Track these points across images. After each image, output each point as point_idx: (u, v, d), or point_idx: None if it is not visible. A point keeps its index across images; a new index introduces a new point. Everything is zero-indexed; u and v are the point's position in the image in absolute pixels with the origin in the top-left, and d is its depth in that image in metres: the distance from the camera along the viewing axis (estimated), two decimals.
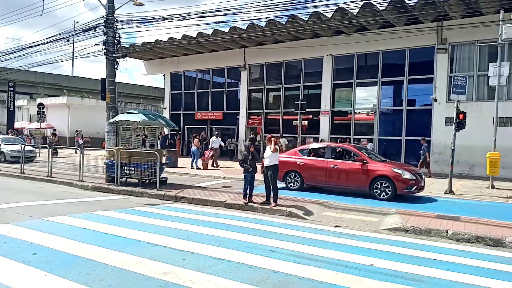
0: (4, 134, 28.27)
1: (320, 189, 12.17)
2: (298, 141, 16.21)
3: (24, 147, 16.43)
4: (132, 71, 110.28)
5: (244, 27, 20.85)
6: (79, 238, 6.14)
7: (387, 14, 17.03)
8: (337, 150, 12.32)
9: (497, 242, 6.53)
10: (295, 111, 15.78)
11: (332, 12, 17.45)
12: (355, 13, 17.37)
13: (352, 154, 12.01)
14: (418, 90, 19.88)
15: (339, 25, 18.48)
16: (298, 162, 12.14)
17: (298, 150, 12.73)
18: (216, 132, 21.00)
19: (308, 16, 18.38)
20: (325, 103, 21.29)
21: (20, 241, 5.87)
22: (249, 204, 9.25)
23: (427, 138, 17.73)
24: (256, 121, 24.32)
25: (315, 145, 13.36)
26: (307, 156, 12.36)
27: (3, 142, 19.34)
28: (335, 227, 7.69)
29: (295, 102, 15.61)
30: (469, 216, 8.42)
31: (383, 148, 20.03)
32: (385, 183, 10.79)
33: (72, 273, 4.56)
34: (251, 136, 17.33)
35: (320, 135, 21.26)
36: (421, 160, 16.23)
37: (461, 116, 12.86)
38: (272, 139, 9.37)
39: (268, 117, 24.12)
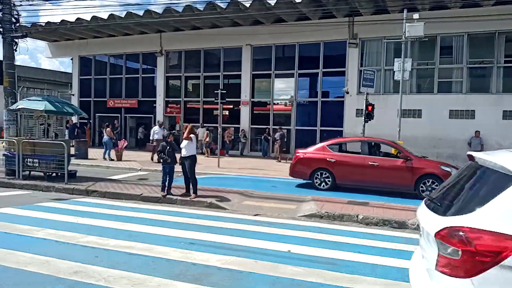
0: None
1: (354, 189, 10.68)
2: (219, 131, 16.10)
3: None
4: (35, 54, 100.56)
5: (160, 11, 20.06)
6: None
7: (303, 6, 17.53)
8: (373, 145, 11.22)
9: (401, 224, 7.12)
10: (215, 101, 15.61)
11: (250, 2, 17.51)
12: (273, 4, 17.62)
13: (393, 151, 11.20)
14: (332, 83, 20.87)
15: (258, 15, 18.63)
16: (328, 159, 10.79)
17: (327, 145, 11.24)
18: (159, 121, 19.39)
19: (227, 4, 18.24)
20: (245, 93, 21.42)
21: None
22: (168, 196, 8.96)
23: (340, 129, 18.86)
24: (175, 110, 23.66)
25: (347, 140, 12.10)
26: (338, 151, 11.20)
27: None
28: (255, 215, 7.79)
29: (215, 92, 15.45)
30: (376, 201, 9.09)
31: (300, 137, 20.78)
32: (433, 182, 9.94)
33: None
34: (170, 125, 16.84)
35: (241, 125, 21.39)
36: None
37: (369, 108, 13.78)
38: (188, 127, 9.16)
39: (188, 106, 23.60)
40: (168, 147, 8.99)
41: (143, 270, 4.49)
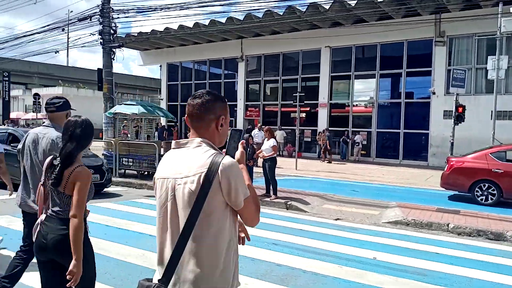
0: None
1: None
2: (296, 134, 16.12)
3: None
4: (128, 62, 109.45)
5: (242, 17, 20.66)
6: None
7: (385, 6, 16.92)
8: None
9: (498, 236, 6.55)
10: (293, 103, 15.65)
11: (330, 4, 17.33)
12: (353, 5, 17.25)
13: None
14: (416, 83, 19.87)
15: (337, 16, 18.35)
16: (494, 170, 9.31)
17: (490, 154, 9.68)
18: (260, 125, 18.34)
19: (306, 7, 18.23)
20: (323, 95, 21.22)
21: None
22: None
23: (425, 131, 17.87)
24: (254, 113, 24.22)
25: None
26: (505, 161, 9.61)
27: None
28: (335, 219, 7.69)
29: (294, 94, 15.49)
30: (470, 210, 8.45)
31: (381, 141, 20.07)
32: None
33: None
34: (249, 127, 17.24)
35: (319, 127, 21.21)
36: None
37: (460, 109, 12.87)
38: (268, 130, 9.35)
39: (266, 109, 24.02)
40: (248, 149, 9.25)
41: None
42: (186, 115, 1.80)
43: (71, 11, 51.42)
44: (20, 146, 3.45)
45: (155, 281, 1.68)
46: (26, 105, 39.30)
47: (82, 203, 2.46)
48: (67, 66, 52.16)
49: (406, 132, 19.10)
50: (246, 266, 4.75)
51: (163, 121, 23.83)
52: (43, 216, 2.59)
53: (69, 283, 2.34)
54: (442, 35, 17.74)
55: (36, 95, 26.94)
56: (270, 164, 9.14)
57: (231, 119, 24.84)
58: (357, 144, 19.70)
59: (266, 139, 9.36)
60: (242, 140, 1.93)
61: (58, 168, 2.49)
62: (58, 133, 3.17)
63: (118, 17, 12.76)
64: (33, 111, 28.24)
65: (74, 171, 2.48)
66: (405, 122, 19.21)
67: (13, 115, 35.87)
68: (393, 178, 13.63)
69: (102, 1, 12.55)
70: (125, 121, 14.03)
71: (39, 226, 2.57)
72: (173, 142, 1.83)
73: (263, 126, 14.00)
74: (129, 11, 13.08)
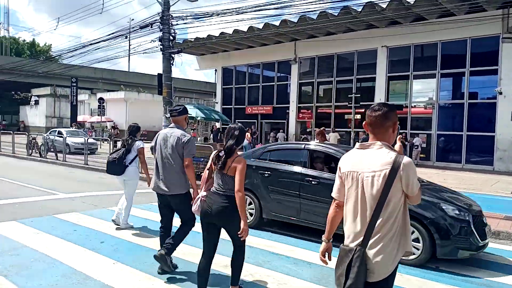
0: (68, 127, 30.06)
1: None
2: (351, 136, 15.84)
3: (87, 139, 17.27)
4: (183, 66, 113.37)
5: (295, 19, 20.67)
6: (142, 228, 6.44)
7: (447, 2, 16.16)
8: None
9: None
10: (348, 105, 15.39)
11: (387, 2, 16.84)
12: (412, 2, 16.65)
13: None
14: (480, 83, 18.75)
15: (395, 15, 17.79)
16: None
17: None
18: (334, 128, 18.80)
19: (362, 6, 17.86)
20: (380, 96, 20.64)
21: (88, 229, 6.24)
22: None
23: (491, 134, 16.77)
24: (306, 115, 24.10)
25: None
26: None
27: (68, 135, 20.42)
28: None
29: (349, 96, 15.22)
30: None
31: (442, 143, 19.16)
32: None
33: (137, 263, 4.78)
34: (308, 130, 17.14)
35: None
36: None
37: None
38: (321, 132, 9.21)
39: (319, 111, 23.82)
40: None
41: (286, 270, 4.72)
42: (365, 123, 2.39)
43: (132, 19, 54.15)
44: (152, 143, 4.66)
45: (350, 245, 2.34)
46: (91, 109, 41.91)
47: (242, 181, 3.46)
48: (129, 72, 54.99)
49: (470, 134, 18.07)
50: (302, 270, 4.76)
51: (217, 124, 24.42)
52: (203, 193, 3.73)
53: (242, 235, 3.49)
54: (510, 31, 16.59)
55: (101, 99, 28.69)
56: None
57: (283, 121, 24.96)
58: (415, 147, 18.95)
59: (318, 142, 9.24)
60: (399, 136, 2.64)
61: (223, 157, 3.57)
62: (181, 131, 4.39)
63: (177, 24, 13.25)
64: (98, 115, 30.03)
65: (235, 159, 3.53)
66: (468, 124, 18.18)
67: (79, 118, 38.40)
68: (455, 183, 12.94)
69: (162, 9, 13.12)
70: (195, 124, 14.50)
71: (201, 198, 3.71)
72: (358, 144, 2.43)
73: (315, 129, 13.89)
74: (187, 17, 13.58)
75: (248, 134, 19.12)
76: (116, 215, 6.44)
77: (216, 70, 29.17)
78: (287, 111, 24.79)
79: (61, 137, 19.01)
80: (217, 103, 28.93)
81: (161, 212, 4.64)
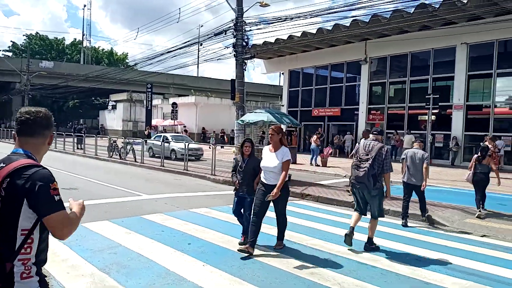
0: (143, 130, 31.69)
1: None
2: (428, 139, 14.99)
3: (188, 144, 16.33)
4: (248, 70, 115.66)
5: (366, 19, 20.10)
6: (224, 230, 6.63)
7: None
8: None
9: None
10: (426, 106, 14.54)
11: None
12: None
13: None
14: None
15: (478, 10, 16.61)
16: None
17: None
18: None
19: (440, 3, 16.91)
20: (458, 96, 19.40)
21: (174, 231, 6.55)
22: None
23: None
24: (377, 117, 23.33)
25: None
26: None
27: (173, 140, 19.69)
28: (481, 236, 6.97)
29: (426, 96, 14.37)
30: None
31: None
32: None
33: (225, 265, 4.92)
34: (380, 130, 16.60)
35: (452, 131, 19.48)
36: None
37: None
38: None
39: (390, 112, 22.93)
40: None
41: (374, 281, 4.59)
42: None
43: (201, 26, 56.01)
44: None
45: None
46: (164, 113, 44.03)
47: None
48: (198, 77, 57.00)
49: None
50: (391, 281, 4.62)
51: (283, 127, 24.45)
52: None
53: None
54: None
55: (174, 104, 30.07)
56: None
57: (350, 123, 24.34)
58: (498, 150, 17.51)
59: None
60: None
61: None
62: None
63: (251, 30, 13.47)
64: (171, 119, 31.46)
65: None
66: None
67: (153, 122, 40.54)
68: None
69: (236, 15, 13.42)
70: (269, 128, 14.62)
71: None
72: None
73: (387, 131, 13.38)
74: (260, 23, 13.78)
75: (315, 137, 18.95)
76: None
77: (283, 73, 29.26)
78: (355, 112, 24.19)
79: (168, 142, 19.00)
80: (283, 105, 28.98)
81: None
